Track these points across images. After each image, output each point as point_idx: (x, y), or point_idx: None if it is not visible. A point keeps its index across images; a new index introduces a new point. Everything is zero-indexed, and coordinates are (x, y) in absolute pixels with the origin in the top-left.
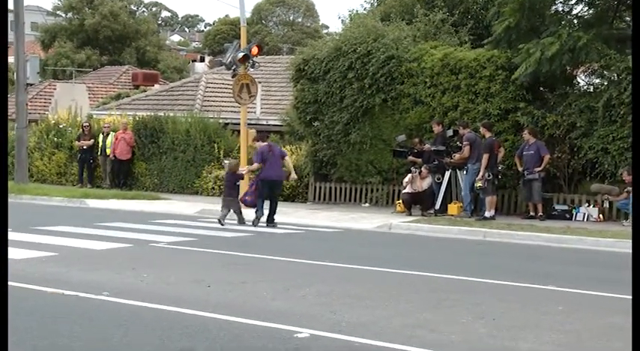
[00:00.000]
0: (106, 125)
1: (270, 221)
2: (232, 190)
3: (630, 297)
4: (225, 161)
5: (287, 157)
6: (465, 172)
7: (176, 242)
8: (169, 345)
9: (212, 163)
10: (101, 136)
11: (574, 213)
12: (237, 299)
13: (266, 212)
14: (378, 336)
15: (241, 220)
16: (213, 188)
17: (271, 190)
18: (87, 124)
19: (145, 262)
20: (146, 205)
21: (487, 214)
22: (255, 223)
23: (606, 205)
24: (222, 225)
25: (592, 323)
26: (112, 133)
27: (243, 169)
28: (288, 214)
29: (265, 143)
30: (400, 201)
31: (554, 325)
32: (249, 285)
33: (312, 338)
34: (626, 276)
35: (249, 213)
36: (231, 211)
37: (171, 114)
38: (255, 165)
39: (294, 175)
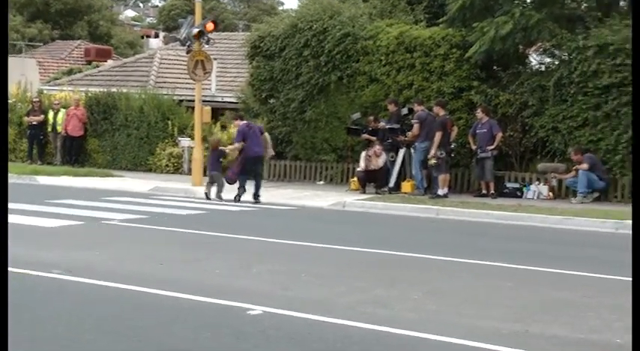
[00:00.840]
0: (56, 102)
1: (256, 197)
2: (216, 164)
3: (578, 273)
4: (181, 139)
5: (265, 133)
6: (413, 151)
7: (129, 219)
8: (120, 323)
9: (166, 141)
10: (51, 112)
11: (525, 191)
12: (191, 276)
13: (251, 190)
14: (331, 313)
15: (219, 196)
16: (167, 165)
17: (255, 166)
18: (37, 99)
19: (97, 240)
20: (98, 183)
21: (440, 191)
22: (237, 199)
23: (555, 183)
24: (209, 199)
25: (540, 298)
26: (62, 110)
27: (226, 149)
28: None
29: (244, 122)
30: (355, 179)
31: (504, 300)
32: (203, 262)
33: (266, 315)
34: (572, 252)
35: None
36: (216, 184)
37: (125, 90)
38: (237, 144)
39: (271, 151)
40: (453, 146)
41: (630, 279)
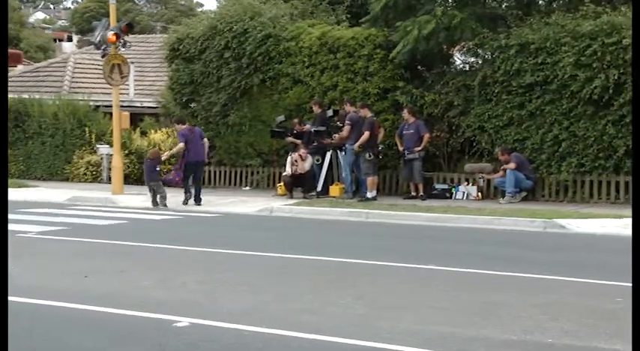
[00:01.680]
0: None
1: (198, 201)
2: (153, 174)
3: (510, 274)
4: (99, 146)
5: (205, 139)
6: (344, 153)
7: (47, 232)
8: (43, 340)
9: (83, 148)
10: None
11: (454, 192)
12: (116, 289)
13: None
14: (260, 322)
15: (163, 203)
16: (85, 174)
17: (195, 172)
18: None
19: (14, 254)
20: (12, 194)
21: (369, 194)
22: (185, 202)
23: (483, 183)
24: (155, 205)
25: (468, 300)
26: None
27: (164, 154)
28: (168, 200)
29: (186, 126)
30: (281, 184)
31: (432, 303)
32: (127, 274)
33: (193, 327)
34: (503, 253)
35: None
36: (157, 195)
37: (37, 96)
38: (181, 145)
39: (206, 158)
40: (380, 148)
41: (558, 278)
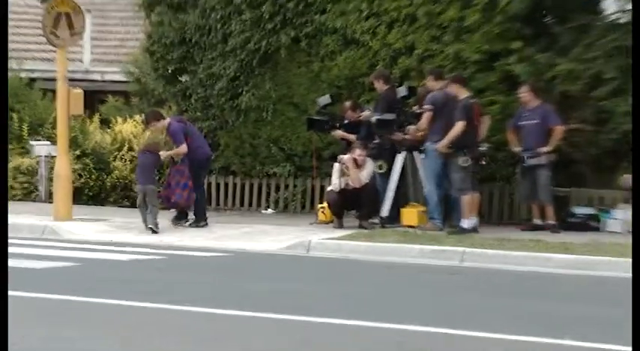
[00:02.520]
0: None
1: (200, 221)
2: (149, 173)
3: None
4: (35, 144)
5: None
6: (424, 156)
7: None
8: None
9: (10, 146)
10: None
11: (604, 219)
12: None
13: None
14: None
15: (154, 223)
16: (11, 187)
17: (205, 171)
18: None
19: None
20: None
21: (465, 223)
22: (198, 223)
23: None
24: (155, 232)
25: None
26: None
27: (163, 154)
28: (141, 229)
29: (170, 118)
30: (324, 205)
31: None
32: (77, 344)
33: None
34: None
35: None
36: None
37: None
38: (183, 147)
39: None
40: (483, 148)
41: None
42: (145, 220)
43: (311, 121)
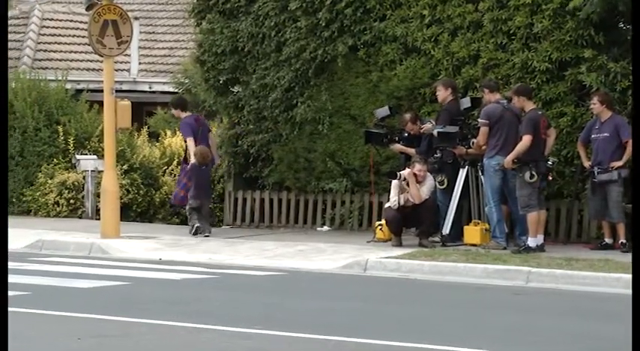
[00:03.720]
0: None
1: (203, 231)
2: (207, 186)
3: None
4: (81, 158)
5: (212, 132)
6: (481, 172)
7: None
8: None
9: (54, 160)
10: None
11: None
12: None
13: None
14: None
15: (207, 229)
16: (57, 204)
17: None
18: None
19: None
20: None
21: (531, 241)
22: (199, 231)
23: None
24: (207, 235)
25: None
26: None
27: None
28: (190, 247)
29: (190, 114)
30: (382, 222)
31: None
32: None
33: None
34: None
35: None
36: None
37: None
38: (190, 141)
39: (217, 159)
40: (551, 162)
41: None
42: (198, 227)
43: (369, 134)
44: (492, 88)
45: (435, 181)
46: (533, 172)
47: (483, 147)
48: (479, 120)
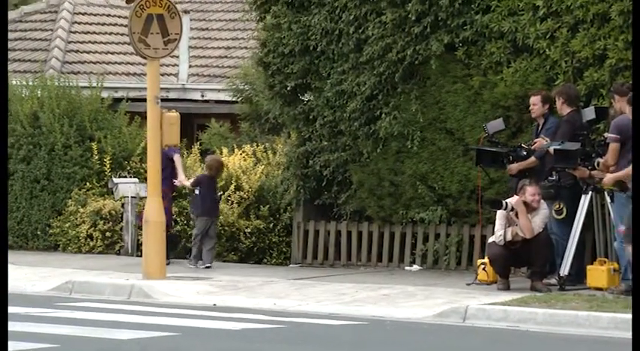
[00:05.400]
0: None
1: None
2: (214, 200)
3: None
4: (119, 181)
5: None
6: (610, 199)
7: None
8: None
9: (87, 185)
10: None
11: None
12: None
13: None
14: None
15: (209, 260)
16: (90, 237)
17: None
18: None
19: None
20: None
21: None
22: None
23: None
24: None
25: None
26: None
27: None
28: (252, 290)
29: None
30: (485, 260)
31: None
32: None
33: None
34: None
35: None
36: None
37: None
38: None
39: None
40: None
41: None
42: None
43: (481, 152)
44: (625, 95)
45: (549, 210)
46: None
47: (612, 168)
48: (607, 134)
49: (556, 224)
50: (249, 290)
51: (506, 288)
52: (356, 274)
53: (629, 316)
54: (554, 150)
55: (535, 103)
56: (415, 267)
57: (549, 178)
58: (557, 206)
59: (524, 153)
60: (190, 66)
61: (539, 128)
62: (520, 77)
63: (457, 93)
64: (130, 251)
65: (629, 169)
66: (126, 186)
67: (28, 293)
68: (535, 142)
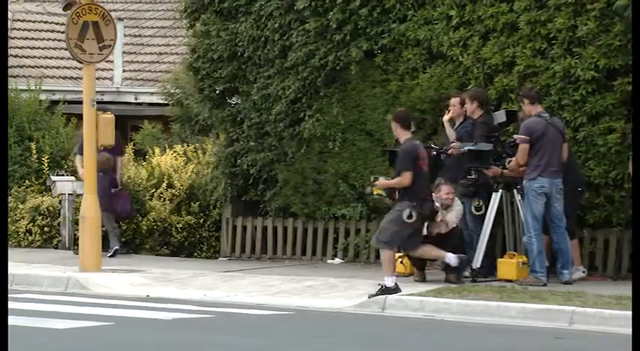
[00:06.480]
0: None
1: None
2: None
3: None
4: (57, 179)
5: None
6: (519, 196)
7: None
8: None
9: (26, 182)
10: None
11: None
12: None
13: None
14: None
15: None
16: (29, 232)
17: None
18: None
19: None
20: None
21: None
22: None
23: None
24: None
25: None
26: None
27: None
28: (183, 282)
29: None
30: (404, 254)
31: None
32: None
33: None
34: None
35: None
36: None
37: None
38: None
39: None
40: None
41: None
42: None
43: (389, 153)
44: (533, 99)
45: (466, 207)
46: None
47: (522, 168)
48: (517, 136)
49: (471, 220)
50: (181, 282)
51: (423, 280)
52: (282, 267)
53: (537, 306)
54: (468, 150)
55: (454, 104)
56: (337, 260)
57: (469, 176)
58: (477, 203)
59: (434, 153)
60: (124, 70)
61: (456, 126)
62: (435, 82)
63: (376, 97)
64: (67, 245)
65: (399, 179)
66: (63, 184)
67: None
68: (451, 147)
